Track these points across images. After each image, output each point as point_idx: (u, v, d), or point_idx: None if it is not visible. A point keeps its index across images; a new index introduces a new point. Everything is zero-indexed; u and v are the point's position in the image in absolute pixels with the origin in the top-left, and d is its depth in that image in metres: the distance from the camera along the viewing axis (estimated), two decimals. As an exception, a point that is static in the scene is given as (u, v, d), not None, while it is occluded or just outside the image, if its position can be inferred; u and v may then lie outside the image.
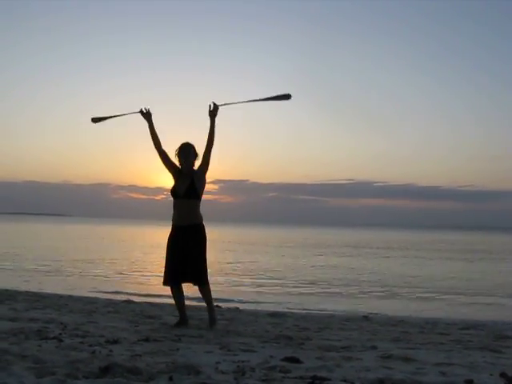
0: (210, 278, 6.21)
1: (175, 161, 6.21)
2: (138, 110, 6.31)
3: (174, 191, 6.11)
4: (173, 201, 6.16)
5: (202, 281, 6.07)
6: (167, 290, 6.35)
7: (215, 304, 8.96)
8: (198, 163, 6.17)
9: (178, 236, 6.07)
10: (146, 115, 6.29)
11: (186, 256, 5.99)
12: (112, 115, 6.53)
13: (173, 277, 6.06)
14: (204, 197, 6.21)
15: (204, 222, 6.16)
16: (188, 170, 6.12)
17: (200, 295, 6.25)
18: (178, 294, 6.14)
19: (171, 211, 6.18)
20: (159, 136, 6.28)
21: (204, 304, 6.41)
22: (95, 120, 6.65)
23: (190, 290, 6.52)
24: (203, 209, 6.21)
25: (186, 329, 6.00)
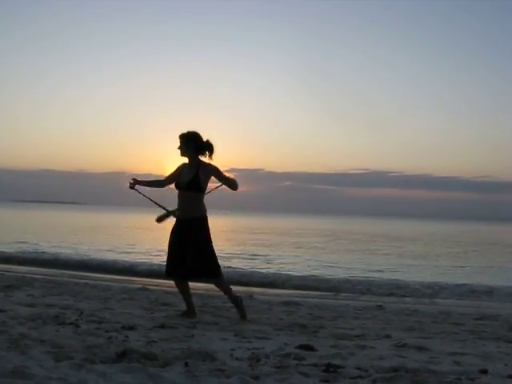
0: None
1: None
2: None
3: (177, 182, 5.93)
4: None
5: (213, 274, 5.89)
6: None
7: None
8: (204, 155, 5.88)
9: (179, 229, 5.90)
10: (135, 184, 6.04)
11: (189, 251, 5.78)
12: (169, 211, 6.04)
13: (172, 270, 5.90)
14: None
15: (213, 211, 5.94)
16: (193, 161, 5.89)
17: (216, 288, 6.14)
18: (180, 285, 6.00)
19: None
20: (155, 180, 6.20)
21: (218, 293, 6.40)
22: (161, 219, 6.14)
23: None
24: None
25: (200, 316, 6.04)
